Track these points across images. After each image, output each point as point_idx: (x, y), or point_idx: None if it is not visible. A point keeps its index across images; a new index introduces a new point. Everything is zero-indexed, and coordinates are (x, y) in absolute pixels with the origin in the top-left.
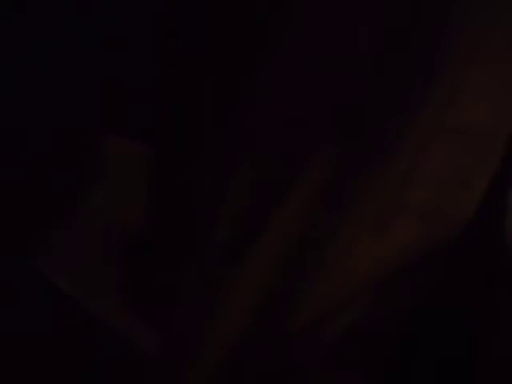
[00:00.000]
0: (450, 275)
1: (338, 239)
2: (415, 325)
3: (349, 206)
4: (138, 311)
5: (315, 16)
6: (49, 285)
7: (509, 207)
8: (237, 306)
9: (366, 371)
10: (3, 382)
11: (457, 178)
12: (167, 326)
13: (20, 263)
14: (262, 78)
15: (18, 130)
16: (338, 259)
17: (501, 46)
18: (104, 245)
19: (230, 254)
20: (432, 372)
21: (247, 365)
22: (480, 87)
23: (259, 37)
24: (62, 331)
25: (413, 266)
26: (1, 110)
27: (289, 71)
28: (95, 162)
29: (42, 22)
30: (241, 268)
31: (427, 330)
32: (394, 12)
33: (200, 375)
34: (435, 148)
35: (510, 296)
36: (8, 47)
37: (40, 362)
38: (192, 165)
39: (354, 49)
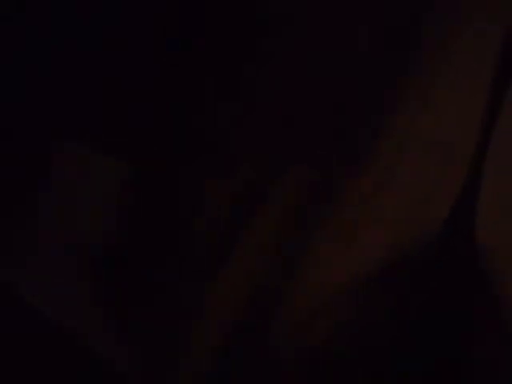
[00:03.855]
0: (421, 282)
1: (313, 251)
2: (389, 331)
3: (323, 216)
4: (115, 324)
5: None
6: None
7: (479, 212)
8: (215, 313)
9: (342, 375)
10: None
11: (427, 188)
12: (144, 334)
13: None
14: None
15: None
16: (313, 270)
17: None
18: (77, 257)
19: (207, 267)
20: (408, 374)
21: (227, 369)
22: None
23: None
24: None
25: (386, 275)
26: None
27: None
28: (71, 172)
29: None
30: (219, 277)
31: (401, 335)
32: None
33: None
34: (404, 159)
35: (482, 298)
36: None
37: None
38: (185, 166)
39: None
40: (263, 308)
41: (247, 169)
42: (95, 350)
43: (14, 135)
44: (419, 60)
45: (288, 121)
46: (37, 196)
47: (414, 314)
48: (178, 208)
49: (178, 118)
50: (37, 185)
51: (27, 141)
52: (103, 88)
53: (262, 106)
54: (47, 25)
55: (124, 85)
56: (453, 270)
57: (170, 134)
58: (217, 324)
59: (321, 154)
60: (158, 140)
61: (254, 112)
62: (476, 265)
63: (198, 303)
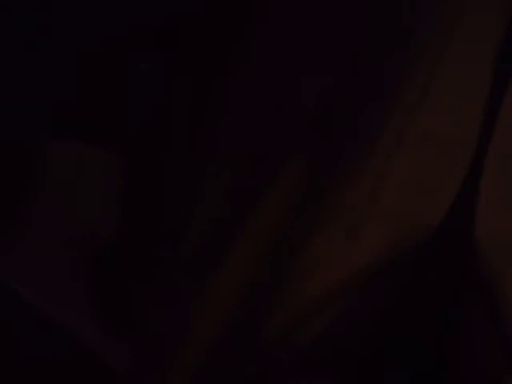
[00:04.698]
0: (419, 280)
1: (312, 248)
2: (386, 328)
3: (322, 214)
4: (109, 321)
5: (291, 16)
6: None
7: (478, 211)
8: (211, 311)
9: (339, 372)
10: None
11: (426, 184)
12: (139, 334)
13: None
14: (237, 80)
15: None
16: (312, 267)
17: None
18: (71, 255)
19: (204, 262)
20: (405, 373)
21: (222, 369)
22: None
23: (234, 37)
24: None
25: (383, 271)
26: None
27: (264, 71)
28: (61, 171)
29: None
30: (215, 276)
31: (397, 333)
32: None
33: (178, 377)
34: (404, 154)
35: (479, 298)
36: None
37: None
38: (166, 167)
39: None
40: (262, 308)
41: (246, 169)
42: (95, 350)
43: (13, 135)
44: (419, 56)
45: (287, 119)
46: (36, 196)
47: (413, 313)
48: (177, 208)
49: (176, 118)
50: (37, 184)
51: (27, 140)
52: (100, 85)
53: (262, 106)
54: (47, 25)
55: (123, 84)
56: (451, 270)
57: (170, 134)
58: (215, 324)
59: (320, 153)
60: (158, 140)
61: (250, 112)
62: (474, 264)
63: (197, 303)
